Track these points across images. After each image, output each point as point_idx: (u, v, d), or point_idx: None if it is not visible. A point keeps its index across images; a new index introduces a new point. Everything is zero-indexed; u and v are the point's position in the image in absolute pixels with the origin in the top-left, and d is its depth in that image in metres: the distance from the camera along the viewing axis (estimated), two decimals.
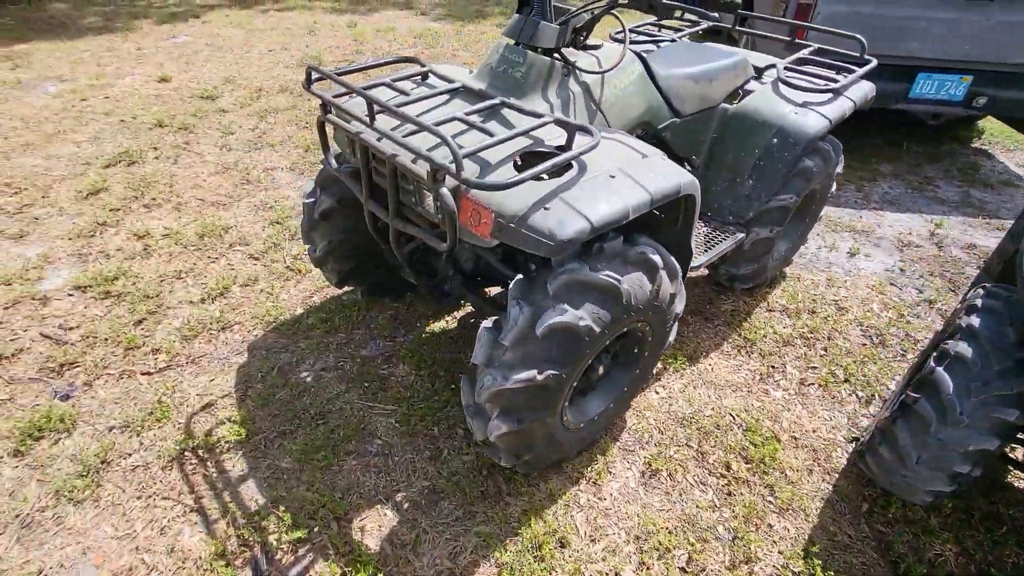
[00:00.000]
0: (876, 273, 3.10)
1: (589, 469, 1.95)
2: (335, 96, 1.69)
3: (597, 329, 1.45)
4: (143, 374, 2.23)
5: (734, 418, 2.18)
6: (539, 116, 1.54)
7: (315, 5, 8.10)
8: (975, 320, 1.56)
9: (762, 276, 2.67)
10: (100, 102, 4.58)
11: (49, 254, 2.87)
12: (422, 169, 1.41)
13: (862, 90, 2.48)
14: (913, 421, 1.57)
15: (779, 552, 1.74)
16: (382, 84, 1.76)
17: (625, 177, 1.46)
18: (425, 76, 1.90)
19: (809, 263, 3.15)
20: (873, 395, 2.31)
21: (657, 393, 2.27)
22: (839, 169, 2.67)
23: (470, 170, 1.41)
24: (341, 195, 2.10)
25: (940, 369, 1.54)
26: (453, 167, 1.26)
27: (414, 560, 1.66)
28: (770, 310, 2.77)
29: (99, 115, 4.36)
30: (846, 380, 2.38)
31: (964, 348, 1.52)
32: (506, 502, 1.82)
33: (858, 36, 2.64)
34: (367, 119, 1.51)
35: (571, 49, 1.80)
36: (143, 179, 3.55)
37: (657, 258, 1.56)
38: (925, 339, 2.62)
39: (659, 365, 2.36)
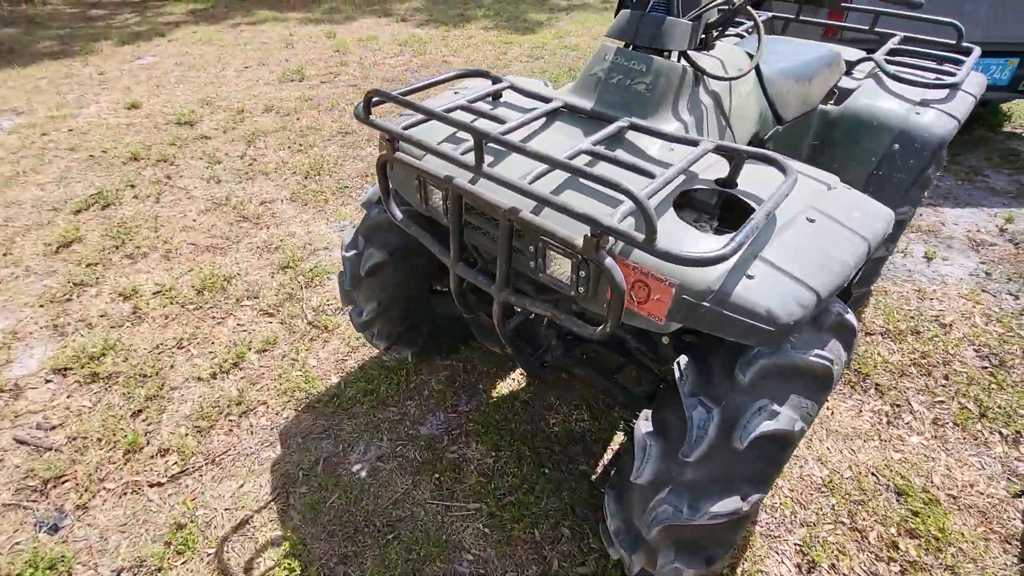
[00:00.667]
0: (963, 279, 2.82)
1: (737, 572, 1.58)
2: (405, 127, 1.29)
3: (805, 428, 1.08)
4: (152, 486, 1.78)
5: (878, 478, 1.84)
6: (689, 141, 1.16)
7: (289, 16, 7.57)
8: None
9: (868, 298, 2.34)
10: (64, 136, 4.03)
11: (17, 328, 2.37)
12: (570, 232, 1.01)
13: (977, 82, 2.17)
14: None
15: None
16: (458, 107, 1.35)
17: (828, 220, 1.10)
18: (498, 95, 1.50)
19: (889, 273, 2.85)
20: (1017, 432, 2.01)
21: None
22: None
23: (625, 224, 1.00)
24: (392, 245, 1.69)
25: None
26: (637, 234, 0.87)
27: None
28: (869, 334, 2.45)
29: (63, 151, 3.82)
30: (983, 415, 2.07)
31: None
32: None
33: (954, 22, 2.33)
34: (470, 159, 1.11)
35: (696, 52, 1.43)
36: (122, 224, 3.05)
37: (851, 318, 1.20)
38: None
39: None
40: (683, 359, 1.13)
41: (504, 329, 1.36)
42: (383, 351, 2.05)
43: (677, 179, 1.09)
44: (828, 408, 2.09)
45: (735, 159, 1.12)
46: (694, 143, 1.15)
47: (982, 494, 1.81)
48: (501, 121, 1.28)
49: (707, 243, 1.00)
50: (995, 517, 1.74)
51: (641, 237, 0.87)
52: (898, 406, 2.11)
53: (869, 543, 1.66)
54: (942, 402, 2.13)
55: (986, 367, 2.29)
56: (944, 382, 2.22)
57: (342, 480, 1.79)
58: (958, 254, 3.03)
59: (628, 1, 1.40)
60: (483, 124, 1.30)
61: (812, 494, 1.79)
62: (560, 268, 1.13)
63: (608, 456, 1.90)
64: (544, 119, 1.36)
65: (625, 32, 1.36)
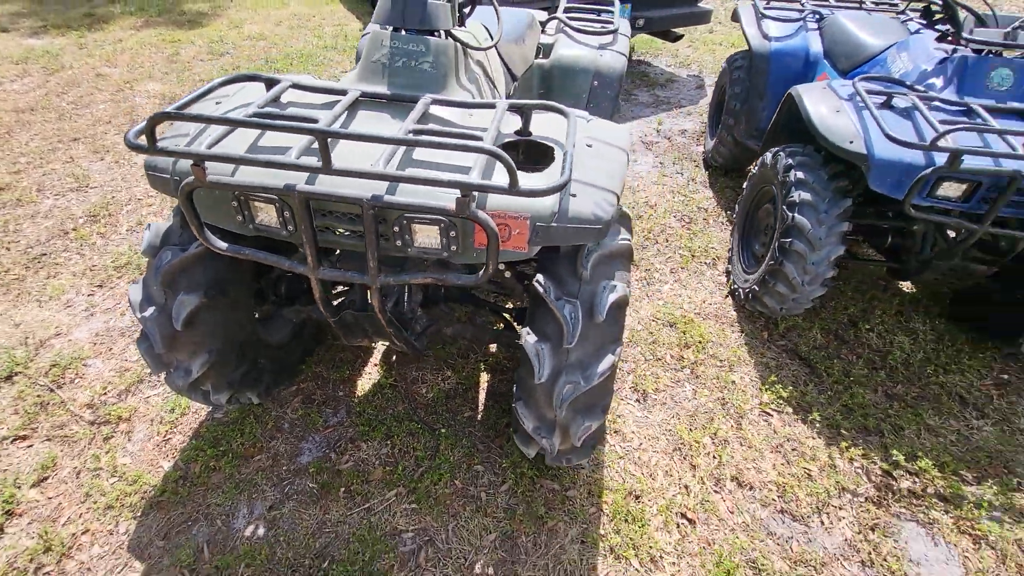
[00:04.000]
0: (649, 171, 3.85)
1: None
2: (208, 146, 1.20)
3: (628, 292, 1.50)
4: None
5: (657, 321, 2.54)
6: (487, 105, 1.40)
7: None
8: (799, 174, 2.15)
9: None
10: None
11: None
12: (433, 197, 1.16)
13: (627, 25, 2.93)
14: (794, 258, 2.12)
15: (751, 396, 2.19)
16: (264, 114, 1.30)
17: (599, 144, 1.48)
18: (277, 99, 1.46)
19: None
20: (713, 259, 2.98)
21: None
22: None
23: (483, 180, 1.19)
24: (204, 284, 1.53)
25: (798, 215, 2.10)
26: (502, 184, 1.09)
27: None
28: None
29: None
30: (693, 257, 3.00)
31: (805, 195, 2.10)
32: (568, 497, 1.80)
33: None
34: (311, 161, 1.13)
35: (456, 30, 1.64)
36: None
37: (626, 210, 1.66)
38: (710, 206, 3.43)
39: None
40: (540, 277, 1.42)
41: (386, 313, 1.44)
42: (222, 407, 1.84)
43: (496, 137, 1.33)
44: None
45: (525, 112, 1.41)
46: (491, 105, 1.39)
47: (711, 304, 2.68)
48: (314, 120, 1.30)
49: (539, 180, 1.28)
50: (723, 316, 2.61)
51: (506, 185, 1.09)
52: (648, 270, 2.88)
53: (668, 363, 2.33)
54: (670, 257, 2.99)
55: (683, 225, 3.27)
56: (666, 243, 3.10)
57: (241, 550, 1.62)
58: (641, 155, 4.09)
59: None
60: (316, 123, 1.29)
61: (626, 349, 2.39)
62: (428, 238, 1.27)
63: (483, 395, 2.16)
64: (352, 108, 1.42)
65: (393, 18, 1.49)
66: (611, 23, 2.73)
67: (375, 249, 1.24)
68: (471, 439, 1.96)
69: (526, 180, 1.24)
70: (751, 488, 1.86)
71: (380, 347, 2.33)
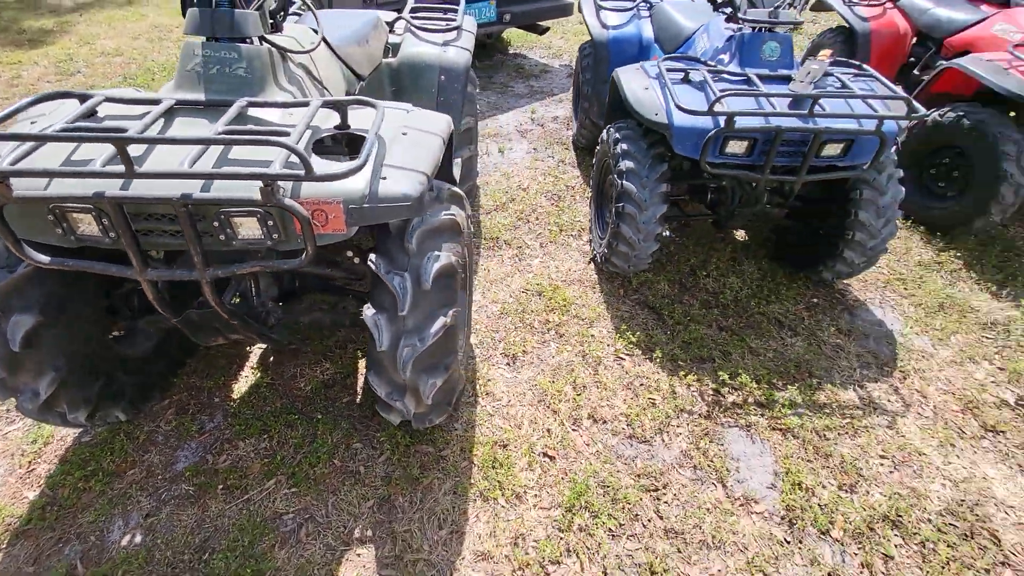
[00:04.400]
0: (523, 158, 4.10)
1: (477, 383, 2.24)
2: (12, 162, 1.23)
3: (461, 261, 1.68)
4: None
5: (527, 292, 2.77)
6: (302, 104, 1.52)
7: None
8: (624, 145, 2.44)
9: (475, 189, 3.23)
10: None
11: None
12: (245, 191, 1.26)
13: (471, 21, 3.12)
14: (627, 220, 2.41)
15: (607, 345, 2.46)
16: (72, 128, 1.34)
17: (414, 131, 1.64)
18: (92, 113, 1.49)
19: (485, 170, 3.91)
20: (578, 231, 3.26)
21: (476, 307, 2.65)
22: (478, 91, 3.36)
23: (286, 169, 1.31)
24: (38, 302, 1.54)
25: (625, 182, 2.39)
26: (299, 172, 1.21)
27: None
28: (488, 212, 3.41)
29: None
30: (561, 231, 3.26)
31: (628, 164, 2.39)
32: (442, 456, 1.96)
33: None
34: (116, 168, 1.20)
35: (273, 35, 1.73)
36: None
37: (456, 189, 1.84)
38: (577, 183, 3.73)
39: None
40: (373, 256, 1.57)
41: (224, 307, 1.52)
42: (86, 425, 1.82)
43: (307, 131, 1.45)
44: (484, 268, 2.93)
45: (341, 108, 1.54)
46: (306, 104, 1.51)
47: (575, 271, 2.94)
48: (124, 130, 1.36)
49: (344, 166, 1.42)
50: (586, 280, 2.88)
51: (302, 172, 1.22)
52: (520, 248, 3.11)
53: (535, 328, 2.56)
54: (540, 233, 3.24)
55: (553, 203, 3.53)
56: (537, 221, 3.35)
57: (119, 559, 1.64)
58: (516, 143, 4.33)
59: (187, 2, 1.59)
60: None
61: (497, 321, 2.59)
62: (249, 230, 1.38)
63: (361, 380, 2.27)
64: (168, 116, 1.48)
65: (202, 28, 1.56)
66: (454, 20, 2.91)
67: (197, 245, 1.33)
68: (350, 421, 2.08)
69: (327, 167, 1.37)
70: (605, 422, 2.12)
71: (257, 351, 2.37)
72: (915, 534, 1.79)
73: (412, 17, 2.95)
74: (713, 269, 2.91)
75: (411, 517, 1.78)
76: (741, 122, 2.10)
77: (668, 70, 2.38)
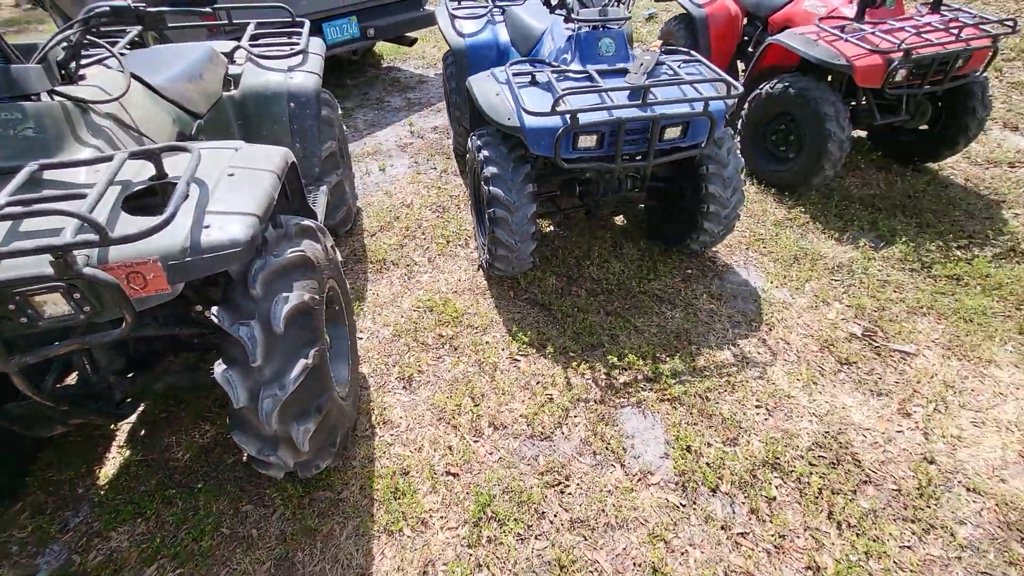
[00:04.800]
0: (406, 172, 4.05)
1: (372, 413, 2.18)
2: None
3: (317, 296, 1.62)
4: None
5: (419, 310, 2.73)
6: (105, 158, 1.39)
7: None
8: (486, 152, 2.48)
9: (351, 213, 3.15)
10: None
11: None
12: (37, 266, 1.13)
13: (319, 43, 3.02)
14: (500, 224, 2.45)
15: (502, 349, 2.49)
16: None
17: (241, 171, 1.55)
18: None
19: (366, 190, 3.82)
20: (465, 239, 3.27)
21: (367, 333, 2.57)
22: (340, 111, 3.27)
23: (79, 237, 1.19)
24: None
25: (492, 187, 2.42)
26: (92, 237, 1.10)
27: None
28: (372, 235, 3.33)
29: None
30: (448, 242, 3.25)
31: (492, 169, 2.43)
32: (340, 499, 1.89)
33: (282, 5, 3.11)
34: None
35: (68, 86, 1.57)
36: None
37: (307, 222, 1.77)
38: (460, 192, 3.73)
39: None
40: (215, 308, 1.47)
41: (44, 394, 1.36)
42: None
43: (113, 188, 1.33)
44: (372, 293, 2.86)
45: (154, 157, 1.42)
46: (110, 158, 1.39)
47: (465, 281, 2.95)
48: None
49: (149, 223, 1.31)
50: (476, 288, 2.89)
51: (96, 238, 1.11)
52: (408, 266, 3.07)
53: (429, 344, 2.53)
54: (427, 248, 3.21)
55: (439, 215, 3.51)
56: (423, 236, 3.31)
57: None
58: (396, 159, 4.27)
59: None
60: None
61: (390, 344, 2.53)
62: (55, 307, 1.24)
63: None
64: None
65: None
66: (298, 44, 2.80)
67: None
68: (236, 483, 1.94)
69: (131, 226, 1.26)
70: (505, 427, 2.14)
71: (126, 425, 2.16)
72: (791, 472, 1.96)
73: (252, 45, 2.82)
74: (596, 257, 3.03)
75: (312, 571, 1.69)
76: (585, 117, 2.19)
77: (515, 74, 2.44)
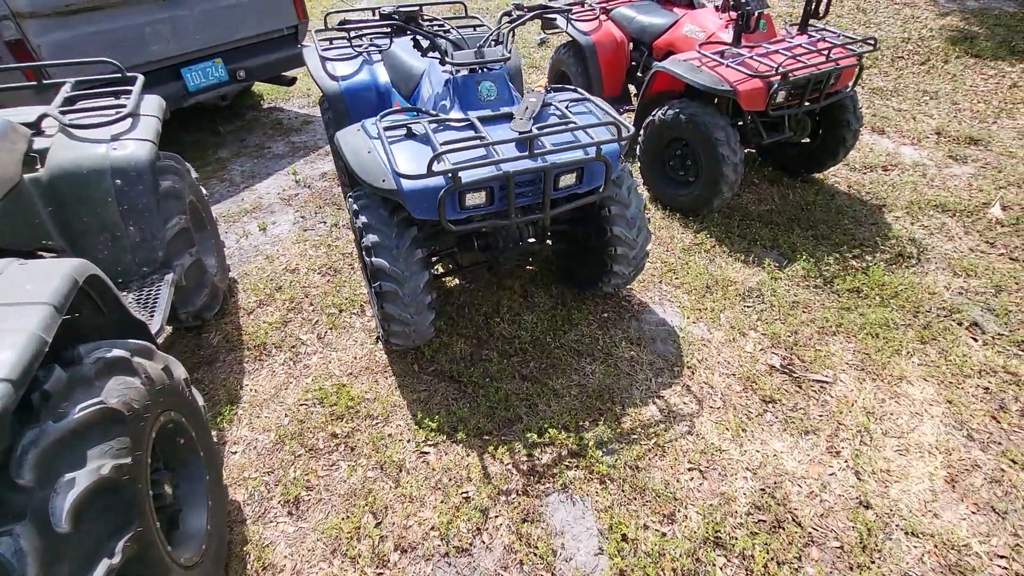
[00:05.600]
0: (290, 230, 3.62)
1: (248, 559, 1.76)
2: None
3: (128, 460, 1.22)
4: None
5: (306, 405, 2.33)
6: None
7: None
8: (364, 217, 2.16)
9: (217, 294, 2.70)
10: None
11: None
12: None
13: (155, 102, 2.56)
14: (389, 299, 2.14)
15: (407, 442, 2.16)
16: None
17: None
18: None
19: (244, 257, 3.35)
20: (360, 306, 2.91)
21: (242, 445, 2.14)
22: (195, 173, 2.82)
23: None
24: None
25: (375, 259, 2.11)
26: None
27: None
28: (247, 313, 2.89)
29: None
30: (341, 311, 2.88)
31: (373, 237, 2.11)
32: None
33: (109, 60, 2.64)
34: None
35: None
36: None
37: (117, 352, 1.37)
38: (354, 250, 3.37)
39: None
40: None
41: None
42: None
43: None
44: (249, 389, 2.43)
45: None
46: None
47: (362, 358, 2.59)
48: None
49: None
50: (375, 365, 2.55)
51: None
52: (293, 348, 2.66)
53: (320, 449, 2.15)
54: (316, 321, 2.82)
55: (329, 280, 3.13)
56: (312, 308, 2.92)
57: None
58: (280, 215, 3.82)
59: None
60: None
61: (271, 456, 2.13)
62: None
63: None
64: None
65: None
66: (124, 107, 2.35)
67: None
68: None
69: None
70: (415, 548, 1.81)
71: None
72: (734, 546, 1.79)
73: (63, 111, 2.33)
74: (507, 312, 2.79)
75: None
76: (468, 175, 1.95)
77: (388, 128, 2.16)
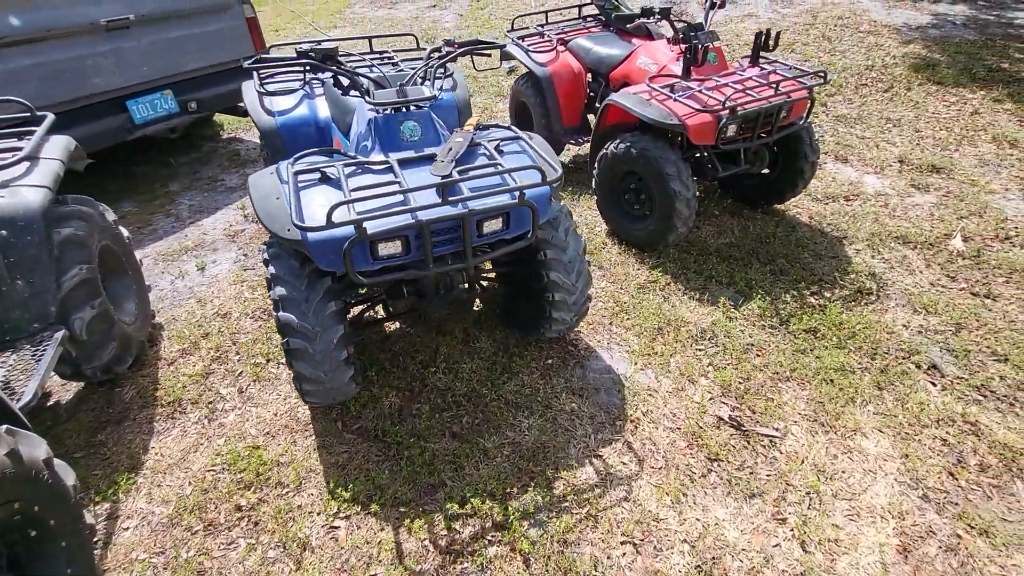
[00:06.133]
0: (230, 270, 3.46)
1: None
2: None
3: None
4: None
5: (216, 467, 2.15)
6: None
7: None
8: (272, 268, 2.00)
9: (130, 346, 2.51)
10: None
11: None
12: None
13: (60, 144, 2.41)
14: (298, 356, 1.97)
15: (316, 514, 1.98)
16: None
17: None
18: None
19: (176, 300, 3.18)
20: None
21: (136, 519, 1.94)
22: (112, 216, 2.66)
23: None
24: None
25: (283, 313, 1.95)
26: None
27: None
28: (167, 363, 2.70)
29: None
30: (269, 361, 2.70)
31: (280, 290, 1.96)
32: None
33: (19, 99, 2.50)
34: None
35: None
36: None
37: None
38: None
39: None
40: None
41: None
42: None
43: None
44: (151, 451, 2.23)
45: None
46: None
47: (283, 414, 2.41)
48: None
49: None
50: (296, 422, 2.36)
51: None
52: (210, 404, 2.47)
53: (220, 524, 1.95)
54: (240, 372, 2.64)
55: (262, 325, 2.95)
56: (238, 358, 2.74)
57: None
58: (222, 252, 3.66)
59: None
60: None
61: (165, 534, 1.92)
62: None
63: None
64: None
65: None
66: (20, 150, 2.20)
67: None
68: None
69: None
70: None
71: None
72: None
73: None
74: (443, 361, 2.62)
75: None
76: (375, 225, 1.80)
77: (300, 172, 2.02)
